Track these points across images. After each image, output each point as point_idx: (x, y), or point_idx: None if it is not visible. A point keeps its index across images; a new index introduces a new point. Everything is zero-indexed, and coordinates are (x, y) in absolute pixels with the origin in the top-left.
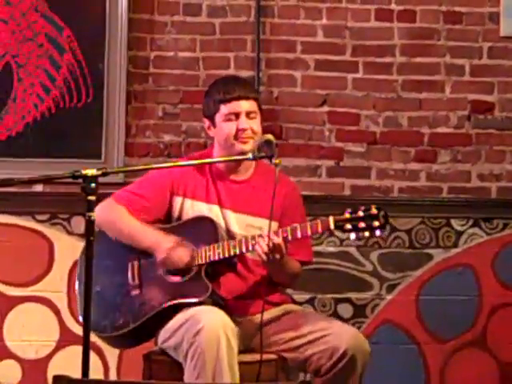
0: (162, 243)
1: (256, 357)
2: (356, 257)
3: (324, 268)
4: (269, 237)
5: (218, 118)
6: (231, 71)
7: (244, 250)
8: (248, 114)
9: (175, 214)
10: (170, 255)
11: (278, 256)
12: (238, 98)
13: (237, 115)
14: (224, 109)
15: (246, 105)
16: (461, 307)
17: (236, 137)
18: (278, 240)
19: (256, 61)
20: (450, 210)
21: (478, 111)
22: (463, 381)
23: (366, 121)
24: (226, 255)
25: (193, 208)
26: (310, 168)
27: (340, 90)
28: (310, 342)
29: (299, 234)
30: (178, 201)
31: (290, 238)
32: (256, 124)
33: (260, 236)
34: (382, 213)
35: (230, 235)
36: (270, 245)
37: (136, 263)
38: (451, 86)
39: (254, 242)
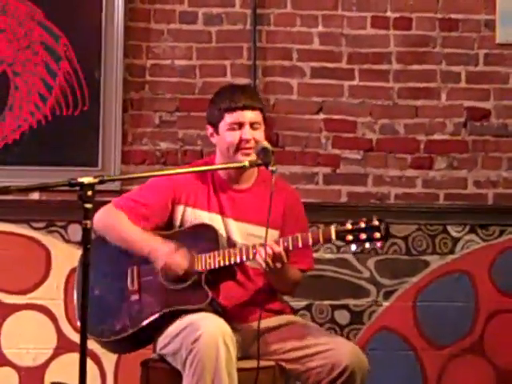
0: (161, 250)
1: (254, 363)
2: (353, 263)
3: (321, 275)
4: (266, 245)
5: (222, 126)
6: (227, 79)
7: (244, 258)
8: (252, 125)
9: (177, 222)
10: (168, 263)
11: (278, 265)
12: (243, 108)
13: (241, 125)
14: (228, 118)
15: (250, 115)
16: (458, 313)
17: (238, 147)
18: (279, 249)
19: (252, 68)
20: (446, 217)
21: (474, 118)
22: None
23: (363, 128)
24: (227, 263)
25: (194, 216)
26: (306, 175)
27: (336, 97)
28: (310, 355)
29: (300, 244)
30: (179, 209)
31: (291, 247)
32: (259, 134)
33: (261, 245)
34: (383, 225)
35: (231, 244)
36: (271, 253)
37: (135, 269)
38: (447, 93)
39: (254, 250)
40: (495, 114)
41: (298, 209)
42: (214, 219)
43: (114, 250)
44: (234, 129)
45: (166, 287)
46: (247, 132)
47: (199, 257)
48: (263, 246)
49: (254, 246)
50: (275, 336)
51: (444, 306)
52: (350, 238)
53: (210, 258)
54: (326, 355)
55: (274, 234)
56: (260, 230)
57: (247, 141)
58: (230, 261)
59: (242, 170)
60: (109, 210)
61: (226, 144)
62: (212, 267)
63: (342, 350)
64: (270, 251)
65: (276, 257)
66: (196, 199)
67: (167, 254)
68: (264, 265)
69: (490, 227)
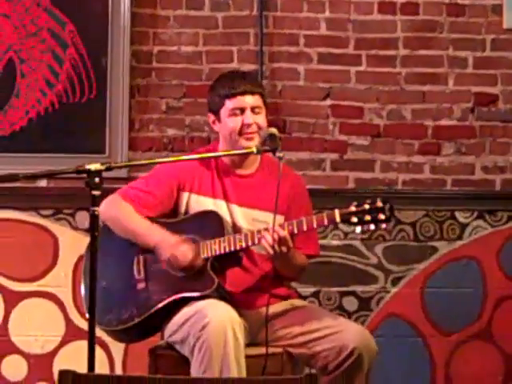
0: (166, 243)
1: (262, 350)
2: (361, 250)
3: (329, 261)
4: (273, 229)
5: (223, 112)
6: (234, 65)
7: (250, 243)
8: (253, 109)
9: (182, 209)
10: (173, 255)
11: (284, 249)
12: (244, 93)
13: (242, 110)
14: (229, 104)
15: (251, 100)
16: (466, 299)
17: (241, 132)
18: (284, 233)
19: (259, 54)
20: (454, 203)
21: (481, 103)
22: (468, 373)
23: (370, 114)
24: (232, 249)
25: (199, 203)
26: (313, 161)
27: (343, 83)
28: (317, 339)
29: (305, 227)
30: (184, 196)
31: (295, 231)
32: (261, 119)
33: (266, 229)
34: (387, 206)
35: (237, 230)
36: (276, 237)
37: (142, 257)
38: (454, 79)
39: (259, 235)
40: (503, 99)
41: (303, 194)
42: (218, 205)
43: (120, 238)
44: (235, 114)
45: (173, 275)
46: (249, 116)
47: (205, 243)
48: (268, 230)
49: (259, 231)
50: (282, 321)
51: (452, 292)
52: (354, 219)
53: (215, 244)
54: (333, 338)
55: (279, 219)
56: (265, 216)
57: (249, 125)
58: (235, 246)
59: (245, 155)
60: (115, 202)
61: (228, 130)
62: (218, 253)
63: (349, 333)
64: (275, 235)
65: (282, 241)
66: (200, 186)
67: (172, 246)
68: (270, 250)
69: (498, 213)
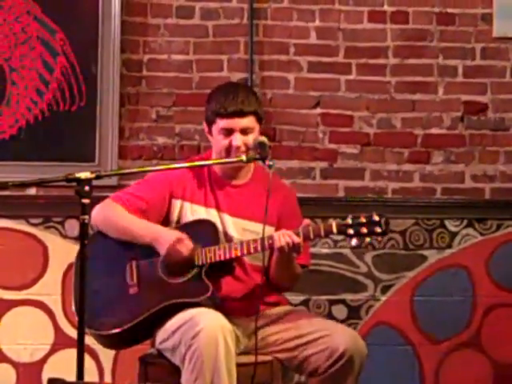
0: (164, 238)
1: (252, 358)
2: (350, 258)
3: (318, 269)
4: (285, 234)
5: (215, 129)
6: (224, 74)
7: (246, 252)
8: (243, 131)
9: (174, 216)
10: (174, 246)
11: (294, 255)
12: (233, 115)
13: (231, 131)
14: (220, 123)
15: (241, 122)
16: (455, 308)
17: (229, 151)
18: (299, 240)
19: (249, 63)
20: (443, 211)
21: (471, 112)
22: (458, 382)
23: (360, 122)
24: (228, 257)
25: (192, 211)
26: (303, 170)
27: (333, 91)
28: (308, 343)
29: (302, 237)
30: (176, 204)
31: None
32: (251, 139)
33: (270, 237)
34: (383, 219)
35: (228, 239)
36: (290, 242)
37: (134, 263)
38: (444, 87)
39: (255, 244)
40: (492, 107)
41: (295, 208)
42: (210, 214)
43: (113, 244)
44: (224, 135)
45: (166, 281)
46: (237, 139)
47: (200, 250)
48: (284, 234)
49: (254, 241)
50: (273, 328)
51: (441, 301)
52: (350, 231)
53: (210, 252)
54: (323, 341)
55: (269, 230)
56: (255, 226)
57: (237, 147)
58: (230, 254)
59: (237, 167)
60: (106, 204)
61: (217, 147)
62: (213, 261)
63: (340, 336)
64: (289, 240)
65: (295, 247)
66: (193, 194)
67: (170, 238)
68: (286, 248)
69: (488, 221)
